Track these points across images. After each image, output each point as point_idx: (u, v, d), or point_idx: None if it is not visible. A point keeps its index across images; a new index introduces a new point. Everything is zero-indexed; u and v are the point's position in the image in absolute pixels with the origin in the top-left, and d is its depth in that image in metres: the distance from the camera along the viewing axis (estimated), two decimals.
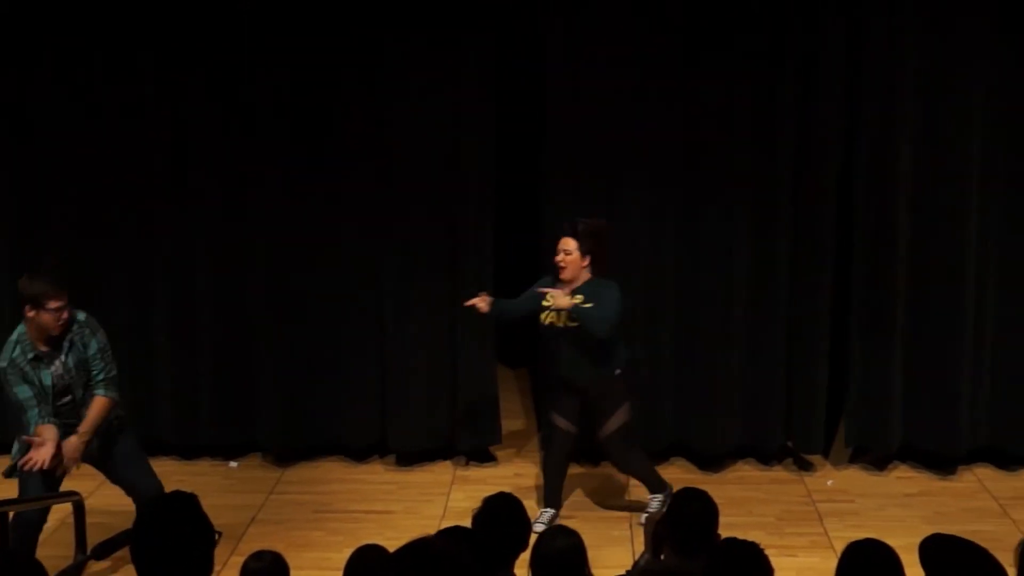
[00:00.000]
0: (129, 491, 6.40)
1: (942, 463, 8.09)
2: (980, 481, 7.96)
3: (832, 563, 4.01)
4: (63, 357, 6.15)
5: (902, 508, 7.54)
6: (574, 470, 7.69)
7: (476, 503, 4.68)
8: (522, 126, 8.57)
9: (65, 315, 6.06)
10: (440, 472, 8.24)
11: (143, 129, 8.11)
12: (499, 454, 8.47)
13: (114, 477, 6.47)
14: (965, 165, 7.80)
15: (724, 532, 4.45)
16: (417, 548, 3.36)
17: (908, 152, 7.80)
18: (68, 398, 6.20)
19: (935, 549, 4.00)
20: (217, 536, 3.44)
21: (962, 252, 7.86)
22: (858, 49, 7.82)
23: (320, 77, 7.98)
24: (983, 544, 3.94)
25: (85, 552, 6.41)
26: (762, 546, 4.11)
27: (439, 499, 7.76)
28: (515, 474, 8.19)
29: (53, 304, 5.97)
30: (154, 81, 8.05)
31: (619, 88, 7.88)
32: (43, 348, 6.10)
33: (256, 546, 5.74)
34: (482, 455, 8.41)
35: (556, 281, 6.97)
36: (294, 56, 7.95)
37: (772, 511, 7.53)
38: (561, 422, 7.13)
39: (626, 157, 7.95)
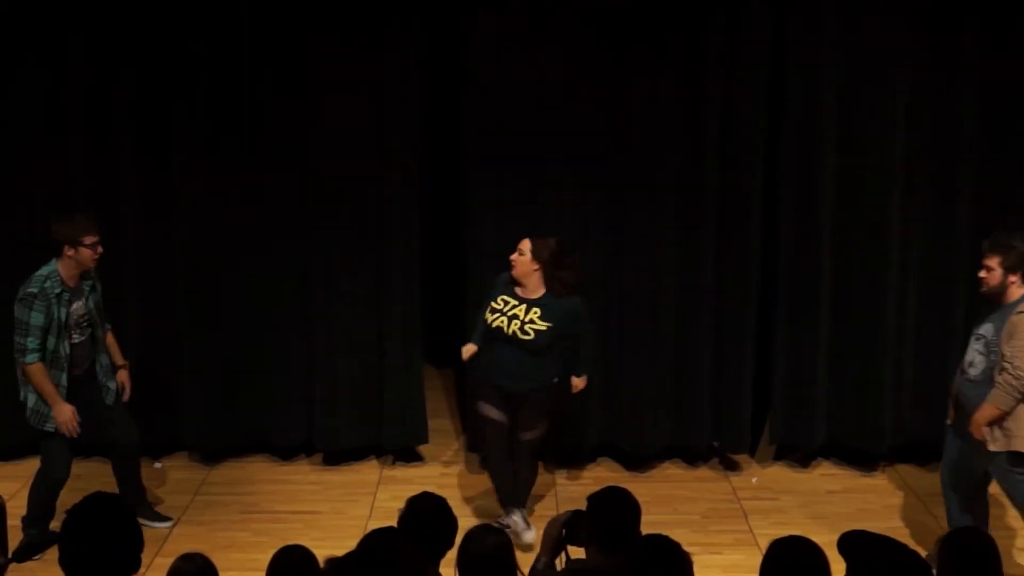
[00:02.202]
0: (116, 438, 7.06)
1: (864, 460, 8.20)
2: (902, 478, 8.07)
3: (757, 560, 4.04)
4: (85, 298, 6.78)
5: (826, 505, 7.63)
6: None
7: (403, 503, 4.67)
8: (449, 124, 8.57)
9: (100, 249, 6.71)
10: (367, 472, 8.21)
11: (67, 126, 8.00)
12: (426, 453, 8.45)
13: (105, 420, 7.02)
14: (888, 165, 7.91)
15: (649, 530, 4.46)
16: (380, 546, 3.33)
17: (832, 153, 7.90)
18: (89, 332, 6.84)
19: (855, 544, 4.04)
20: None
21: (885, 253, 7.97)
22: (781, 47, 7.92)
23: (241, 76, 7.91)
24: (905, 539, 4.00)
25: (6, 555, 6.32)
26: (687, 544, 4.14)
27: (365, 499, 7.74)
28: (441, 473, 8.19)
29: (90, 239, 6.62)
30: (82, 82, 7.96)
31: (544, 84, 7.89)
32: (71, 286, 6.68)
33: (181, 547, 5.70)
34: (409, 454, 8.39)
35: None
36: (215, 55, 7.87)
37: (698, 509, 7.60)
38: (493, 412, 7.10)
39: (551, 153, 7.96)
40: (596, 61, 7.86)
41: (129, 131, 8.01)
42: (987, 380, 6.25)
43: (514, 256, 6.98)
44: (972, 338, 6.47)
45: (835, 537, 4.10)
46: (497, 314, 6.96)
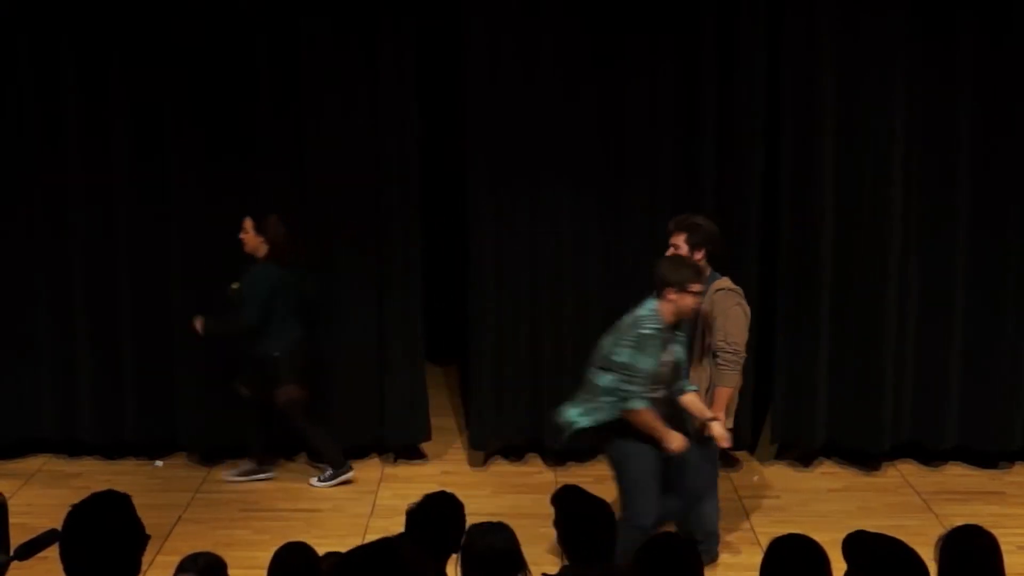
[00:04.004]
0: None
1: (866, 459, 8.19)
2: (903, 476, 8.07)
3: (757, 558, 4.04)
4: (675, 345, 6.23)
5: (827, 503, 7.63)
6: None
7: (404, 501, 4.66)
8: (448, 124, 8.59)
9: (700, 300, 6.22)
10: (368, 469, 8.20)
11: (62, 131, 8.02)
12: (428, 451, 8.45)
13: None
14: (887, 165, 7.90)
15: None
16: (382, 550, 3.32)
17: (831, 155, 7.90)
18: (662, 388, 6.20)
19: (857, 545, 4.04)
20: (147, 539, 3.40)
21: (885, 251, 7.96)
22: (776, 48, 7.93)
23: (236, 80, 7.94)
24: (907, 538, 3.99)
25: (8, 552, 6.30)
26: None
27: (367, 497, 7.73)
28: (443, 471, 8.18)
29: (695, 288, 6.10)
30: (77, 83, 7.99)
31: (541, 84, 7.91)
32: (667, 332, 6.17)
33: (182, 546, 5.70)
34: (411, 452, 8.38)
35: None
36: (210, 58, 7.90)
37: None
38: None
39: (548, 152, 7.98)
40: (592, 61, 7.86)
41: (126, 132, 8.03)
42: None
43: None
44: None
45: (836, 536, 4.11)
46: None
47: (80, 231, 8.14)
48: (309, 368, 7.80)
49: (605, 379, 6.09)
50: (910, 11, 7.79)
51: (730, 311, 6.41)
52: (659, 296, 6.11)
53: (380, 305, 8.12)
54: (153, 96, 7.97)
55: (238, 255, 7.98)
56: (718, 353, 6.40)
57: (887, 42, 7.80)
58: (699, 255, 6.46)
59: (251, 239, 7.65)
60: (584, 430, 6.24)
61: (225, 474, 8.00)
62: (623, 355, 6.02)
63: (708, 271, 6.49)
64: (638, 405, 6.02)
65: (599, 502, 4.59)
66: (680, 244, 6.47)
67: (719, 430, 6.31)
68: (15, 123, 8.07)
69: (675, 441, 6.10)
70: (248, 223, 7.65)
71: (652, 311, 6.09)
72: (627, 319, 6.15)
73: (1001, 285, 8.02)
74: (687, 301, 6.07)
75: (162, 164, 8.05)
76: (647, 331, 6.01)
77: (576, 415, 6.24)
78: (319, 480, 7.88)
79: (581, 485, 4.79)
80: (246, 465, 7.99)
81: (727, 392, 6.43)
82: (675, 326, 6.17)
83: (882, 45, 7.81)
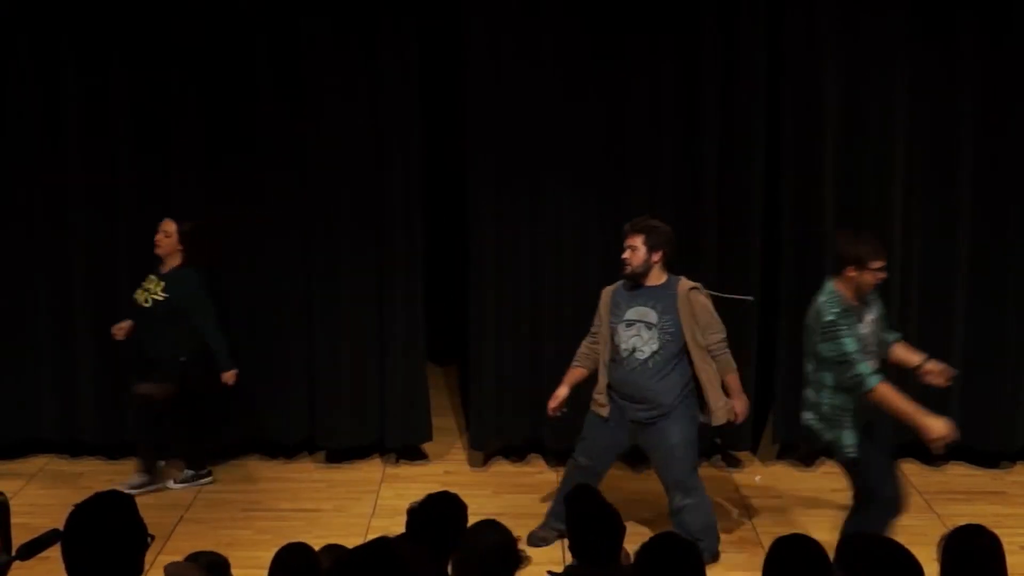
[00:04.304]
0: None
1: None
2: (905, 476, 8.04)
3: (760, 559, 4.04)
4: (866, 312, 6.08)
5: (829, 504, 7.62)
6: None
7: (406, 501, 4.67)
8: (448, 123, 8.59)
9: (883, 275, 6.06)
10: (370, 470, 8.20)
11: (62, 131, 8.02)
12: (429, 451, 8.45)
13: None
14: (887, 165, 7.91)
15: (650, 529, 4.47)
16: (378, 549, 3.31)
17: (831, 155, 7.90)
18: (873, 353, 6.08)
19: (851, 548, 4.02)
20: (150, 539, 3.40)
21: (886, 251, 7.94)
22: (777, 48, 7.93)
23: (236, 81, 7.95)
24: (908, 538, 3.99)
25: (10, 552, 6.31)
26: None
27: (368, 497, 7.73)
28: (445, 471, 8.18)
29: (876, 264, 5.97)
30: (78, 83, 7.99)
31: (541, 84, 7.90)
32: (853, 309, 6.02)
33: (184, 545, 5.69)
34: (412, 453, 8.38)
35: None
36: (210, 58, 7.92)
37: None
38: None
39: (550, 151, 7.97)
40: (592, 61, 7.87)
41: (126, 132, 8.03)
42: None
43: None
44: (624, 324, 6.61)
45: (837, 536, 4.10)
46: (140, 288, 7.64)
47: (80, 231, 8.13)
48: (213, 373, 7.70)
49: (827, 377, 6.05)
50: (910, 11, 7.79)
51: (708, 304, 6.61)
52: (838, 274, 6.03)
53: (381, 305, 8.12)
54: (153, 96, 7.96)
55: (236, 256, 8.00)
56: (717, 345, 6.58)
57: (888, 42, 7.81)
58: (656, 257, 6.54)
59: (170, 243, 7.63)
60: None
61: (170, 483, 7.90)
62: (826, 349, 5.96)
63: (666, 275, 6.61)
64: (873, 381, 5.88)
65: (608, 506, 4.63)
66: (638, 246, 6.54)
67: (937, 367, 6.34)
68: (15, 123, 8.07)
69: (936, 428, 5.90)
70: (170, 226, 7.63)
71: (831, 293, 6.01)
72: (811, 310, 6.09)
73: (1002, 285, 8.02)
74: (867, 279, 5.99)
75: (162, 164, 8.05)
76: (831, 317, 5.91)
77: (819, 425, 6.22)
78: (175, 482, 7.86)
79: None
80: (184, 472, 7.94)
81: (737, 375, 6.69)
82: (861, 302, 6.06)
83: (883, 45, 7.81)
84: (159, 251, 7.65)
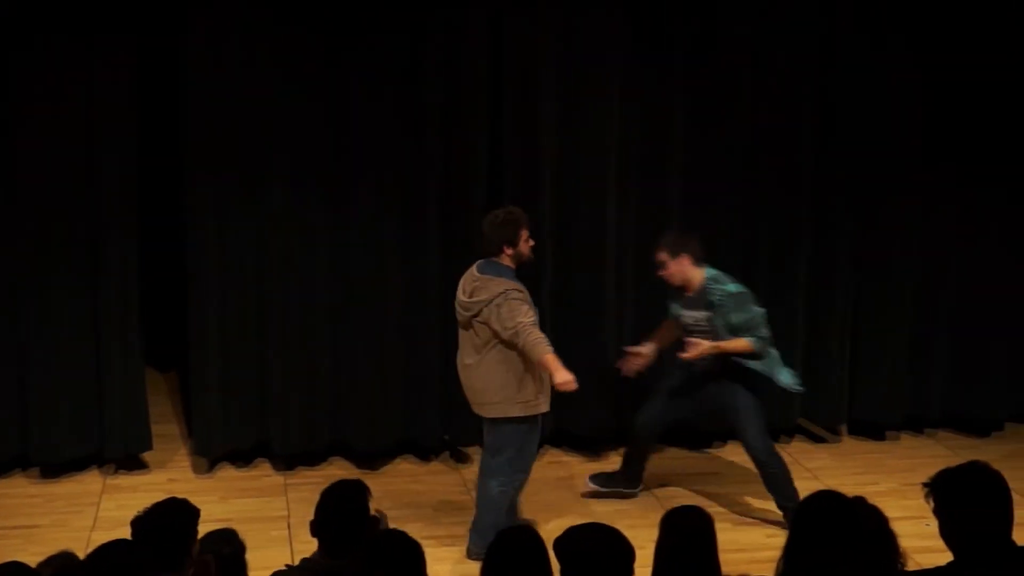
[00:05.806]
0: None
1: (592, 445, 8.43)
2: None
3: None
4: None
5: (556, 491, 7.79)
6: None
7: (129, 512, 4.52)
8: (165, 121, 8.44)
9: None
10: (89, 482, 7.94)
11: None
12: (151, 460, 8.23)
13: None
14: (604, 169, 8.20)
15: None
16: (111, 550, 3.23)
17: (551, 147, 8.13)
18: None
19: (568, 543, 4.09)
20: None
21: (602, 239, 8.24)
22: (499, 51, 8.10)
23: None
24: (630, 521, 4.11)
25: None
26: (421, 537, 4.17)
27: (89, 509, 7.50)
28: (169, 479, 8.01)
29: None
30: None
31: (263, 87, 7.82)
32: None
33: None
34: (133, 462, 8.15)
35: None
36: None
37: (429, 502, 7.67)
38: None
39: (273, 156, 7.89)
40: (313, 62, 7.84)
41: None
42: None
43: None
44: None
45: (566, 522, 4.19)
46: None
47: None
48: None
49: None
50: (622, 21, 8.10)
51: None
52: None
53: (96, 314, 7.85)
54: None
55: None
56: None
57: (603, 45, 8.08)
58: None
59: None
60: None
61: None
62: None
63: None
64: None
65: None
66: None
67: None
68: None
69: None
70: None
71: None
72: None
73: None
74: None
75: None
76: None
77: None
78: None
79: (311, 487, 4.78)
80: None
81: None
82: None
83: (599, 48, 8.08)
84: None
